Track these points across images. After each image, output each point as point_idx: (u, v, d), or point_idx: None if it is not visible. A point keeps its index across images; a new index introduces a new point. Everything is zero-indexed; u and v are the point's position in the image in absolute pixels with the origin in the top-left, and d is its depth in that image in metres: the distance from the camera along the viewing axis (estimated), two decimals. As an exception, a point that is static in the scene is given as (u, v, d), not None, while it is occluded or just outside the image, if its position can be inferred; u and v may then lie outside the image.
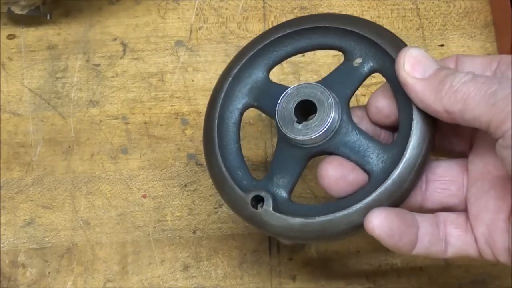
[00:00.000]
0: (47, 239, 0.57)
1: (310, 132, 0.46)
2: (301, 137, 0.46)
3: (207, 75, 0.62)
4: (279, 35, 0.50)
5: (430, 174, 0.47)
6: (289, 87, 0.47)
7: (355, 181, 0.46)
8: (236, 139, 0.49)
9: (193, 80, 0.62)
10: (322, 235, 0.45)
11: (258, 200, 0.46)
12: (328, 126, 0.45)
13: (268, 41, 0.50)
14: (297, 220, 0.45)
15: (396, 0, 0.64)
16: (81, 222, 0.57)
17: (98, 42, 0.64)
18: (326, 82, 0.47)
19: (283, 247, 0.55)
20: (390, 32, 0.48)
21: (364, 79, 0.48)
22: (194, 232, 0.57)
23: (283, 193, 0.47)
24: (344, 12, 0.64)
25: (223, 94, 0.50)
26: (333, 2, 0.64)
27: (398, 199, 0.44)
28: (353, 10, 0.64)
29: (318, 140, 0.46)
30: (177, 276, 0.55)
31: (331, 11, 0.64)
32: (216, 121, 0.49)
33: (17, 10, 0.63)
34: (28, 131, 0.61)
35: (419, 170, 0.44)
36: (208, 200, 0.58)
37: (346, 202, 0.45)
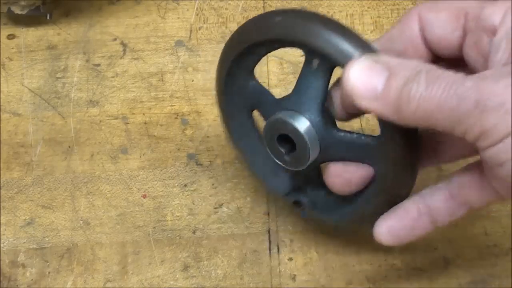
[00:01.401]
0: (47, 239, 0.57)
1: (299, 164, 0.47)
2: (293, 168, 0.48)
3: (207, 75, 0.62)
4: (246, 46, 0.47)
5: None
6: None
7: (360, 180, 0.47)
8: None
9: (193, 80, 0.62)
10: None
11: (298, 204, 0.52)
12: (312, 155, 0.46)
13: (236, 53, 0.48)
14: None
15: (396, 0, 0.64)
16: (81, 222, 0.57)
17: (98, 42, 0.64)
18: (296, 95, 0.46)
19: (283, 247, 0.55)
20: (336, 24, 0.44)
21: (329, 80, 0.45)
22: (194, 232, 0.56)
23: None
24: (344, 12, 0.64)
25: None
26: (333, 2, 0.64)
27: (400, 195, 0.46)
28: (353, 10, 0.64)
29: (309, 164, 0.47)
30: (177, 276, 0.55)
31: (331, 12, 0.64)
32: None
33: (17, 10, 0.63)
34: (28, 131, 0.61)
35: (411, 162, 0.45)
36: (208, 200, 0.57)
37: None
